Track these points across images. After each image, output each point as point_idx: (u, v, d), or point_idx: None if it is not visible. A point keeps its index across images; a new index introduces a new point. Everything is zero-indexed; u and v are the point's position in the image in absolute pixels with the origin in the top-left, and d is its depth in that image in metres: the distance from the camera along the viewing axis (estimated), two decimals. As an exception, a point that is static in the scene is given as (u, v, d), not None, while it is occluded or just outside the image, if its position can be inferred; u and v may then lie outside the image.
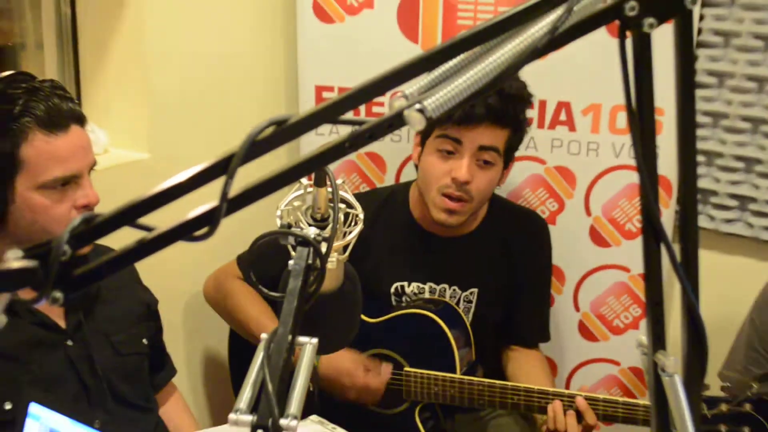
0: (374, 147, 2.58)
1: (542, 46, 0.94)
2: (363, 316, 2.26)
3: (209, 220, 0.93)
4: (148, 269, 2.10)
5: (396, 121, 0.93)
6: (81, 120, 1.84)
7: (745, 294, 2.26)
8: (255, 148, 0.93)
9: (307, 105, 2.71)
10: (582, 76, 2.49)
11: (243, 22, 2.65)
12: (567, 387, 2.80)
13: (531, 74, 2.01)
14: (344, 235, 1.43)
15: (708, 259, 2.48)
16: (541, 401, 2.13)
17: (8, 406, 1.74)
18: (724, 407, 1.96)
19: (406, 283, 2.36)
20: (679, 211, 1.08)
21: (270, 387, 1.13)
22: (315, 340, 1.27)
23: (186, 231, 0.94)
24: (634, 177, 2.51)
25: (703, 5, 2.48)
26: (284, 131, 0.94)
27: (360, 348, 2.30)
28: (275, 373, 1.16)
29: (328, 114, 0.96)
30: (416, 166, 2.30)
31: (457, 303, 2.38)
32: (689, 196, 1.07)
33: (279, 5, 2.74)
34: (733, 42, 2.48)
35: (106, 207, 1.83)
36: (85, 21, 2.43)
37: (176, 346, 2.52)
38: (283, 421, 1.12)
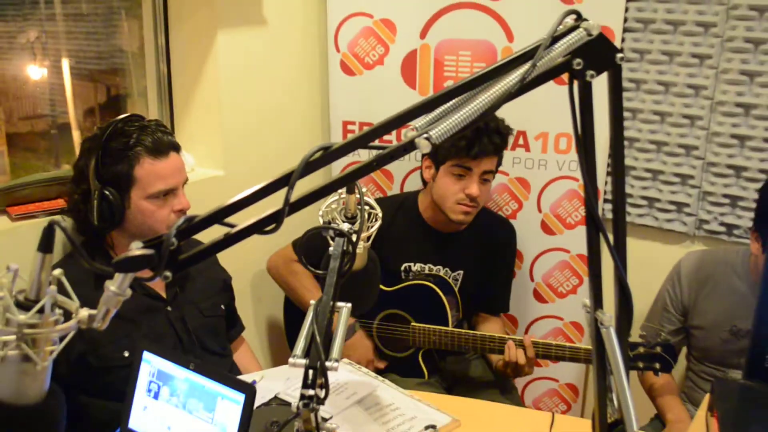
0: (389, 166, 2.58)
1: (515, 91, 0.94)
2: (381, 286, 2.27)
3: (276, 219, 0.93)
4: (224, 254, 2.10)
5: (409, 146, 0.94)
6: (177, 148, 1.84)
7: (653, 268, 2.26)
8: (308, 166, 0.93)
9: (337, 134, 2.71)
10: (534, 112, 2.49)
11: (290, 75, 2.65)
12: (526, 337, 2.81)
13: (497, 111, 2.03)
14: (368, 228, 1.44)
15: (631, 245, 2.50)
16: (502, 345, 2.16)
17: (126, 354, 1.75)
18: (641, 349, 1.96)
19: (412, 264, 2.36)
20: (612, 208, 1.08)
21: (318, 339, 1.14)
22: (349, 305, 1.28)
23: (259, 227, 0.94)
24: (572, 184, 2.55)
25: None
26: (329, 154, 0.94)
27: (379, 308, 2.32)
28: (321, 328, 1.16)
29: (360, 142, 0.96)
30: (424, 182, 2.35)
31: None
32: (619, 197, 1.07)
33: (316, 63, 2.73)
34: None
35: (194, 210, 1.85)
36: (177, 76, 2.43)
37: (245, 310, 2.51)
38: (328, 363, 1.13)
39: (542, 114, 2.50)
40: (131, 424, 1.51)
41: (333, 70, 2.66)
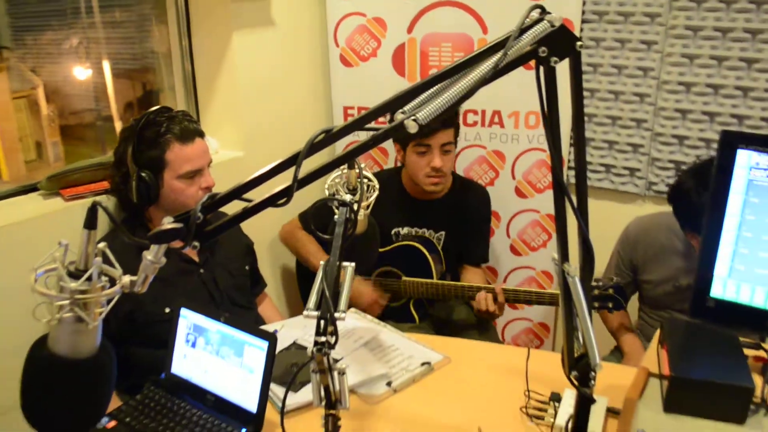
0: (384, 143, 2.55)
1: (489, 76, 0.92)
2: (376, 247, 2.28)
3: (286, 194, 0.92)
4: (247, 223, 2.09)
5: (400, 127, 0.92)
6: (202, 134, 1.82)
7: (611, 224, 2.24)
8: (312, 147, 0.92)
9: (338, 118, 2.69)
10: (507, 93, 2.47)
11: (297, 68, 2.61)
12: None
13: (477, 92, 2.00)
14: (367, 198, 1.42)
15: (591, 205, 2.50)
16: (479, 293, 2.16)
17: (167, 310, 1.74)
18: (596, 291, 1.95)
19: (401, 228, 2.35)
20: (575, 175, 1.06)
21: (327, 293, 1.12)
22: (353, 264, 1.27)
23: (272, 201, 0.93)
24: (541, 155, 2.53)
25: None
26: (330, 136, 0.93)
27: (375, 266, 2.32)
28: (330, 285, 1.15)
29: (357, 124, 0.94)
30: (401, 162, 2.32)
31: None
32: (581, 165, 1.06)
33: (319, 57, 2.69)
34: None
35: (218, 186, 1.83)
36: (200, 72, 2.40)
37: (266, 270, 2.51)
38: (336, 314, 1.12)
39: (514, 95, 2.47)
40: (173, 369, 1.52)
41: (333, 62, 2.63)
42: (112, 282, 0.89)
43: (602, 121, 2.51)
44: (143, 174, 1.72)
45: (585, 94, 2.50)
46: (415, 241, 2.29)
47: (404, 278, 2.26)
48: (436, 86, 0.95)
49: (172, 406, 1.45)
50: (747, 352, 1.20)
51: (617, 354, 2.23)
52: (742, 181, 1.16)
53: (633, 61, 2.39)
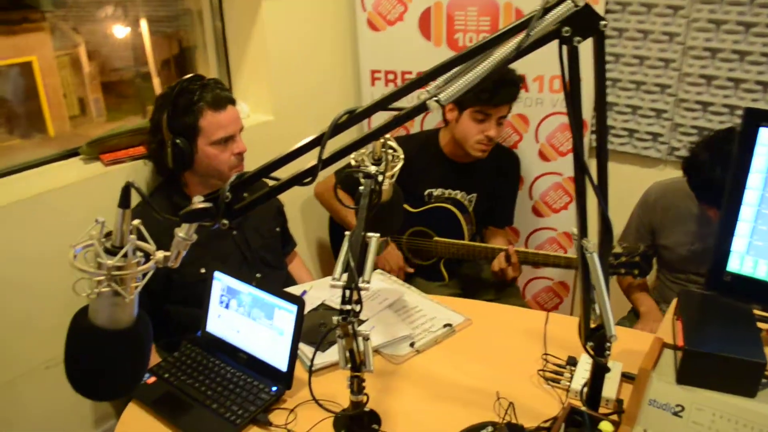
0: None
1: (512, 57, 0.89)
2: (408, 207, 2.27)
3: (312, 173, 0.91)
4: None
5: (422, 107, 0.90)
6: (233, 102, 1.81)
7: (633, 187, 2.20)
8: (336, 128, 0.91)
9: (365, 81, 2.64)
10: (532, 57, 2.38)
11: (325, 32, 2.57)
12: (526, 246, 2.78)
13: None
14: (392, 168, 1.41)
15: (614, 169, 2.46)
16: (520, 256, 2.15)
17: (203, 271, 1.77)
18: (623, 258, 1.93)
19: (434, 189, 2.32)
20: (596, 139, 1.04)
21: (352, 263, 1.13)
22: (378, 234, 1.26)
23: (298, 180, 0.92)
24: (564, 119, 2.46)
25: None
26: (353, 117, 0.91)
27: (407, 226, 2.32)
28: (355, 255, 1.15)
29: (380, 105, 0.92)
30: (446, 121, 2.27)
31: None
32: (602, 130, 1.03)
33: (346, 21, 2.64)
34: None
35: (250, 151, 1.83)
36: (230, 33, 2.38)
37: (297, 229, 2.53)
38: (361, 284, 1.13)
39: (539, 59, 2.34)
40: (208, 329, 1.55)
41: (360, 26, 2.57)
42: (147, 257, 0.90)
43: (626, 86, 2.43)
44: (178, 141, 1.73)
45: (609, 58, 2.42)
46: (447, 203, 2.29)
47: (435, 238, 2.26)
48: (459, 67, 0.93)
49: (207, 363, 1.48)
50: (761, 326, 1.17)
51: (632, 315, 2.21)
52: (764, 158, 1.12)
53: (659, 26, 2.29)
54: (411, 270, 2.35)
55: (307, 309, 1.68)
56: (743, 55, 2.19)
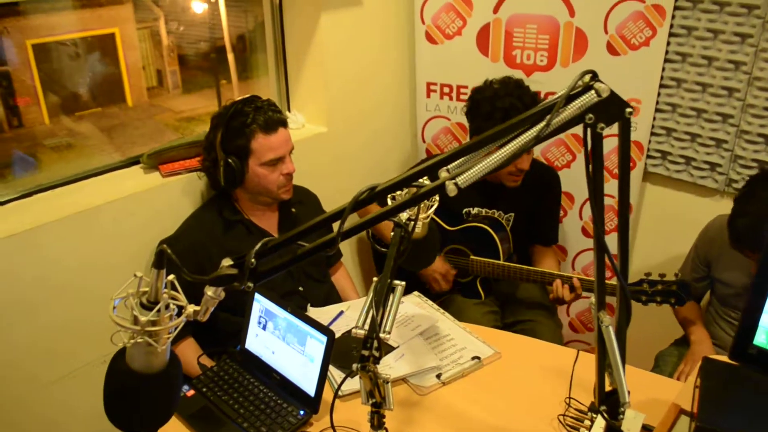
0: (463, 119, 2.50)
1: (530, 146, 0.92)
2: (446, 226, 2.30)
3: (332, 244, 0.97)
4: (325, 198, 2.17)
5: (440, 188, 0.93)
6: (285, 124, 1.88)
7: (687, 216, 2.16)
8: (356, 204, 0.95)
9: (421, 93, 2.67)
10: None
11: (383, 45, 2.60)
12: (573, 266, 2.76)
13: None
14: (427, 210, 1.44)
15: (668, 196, 2.34)
16: (547, 278, 2.15)
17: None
18: (659, 287, 1.91)
19: (472, 208, 2.35)
20: (618, 216, 1.05)
21: (375, 314, 1.17)
22: (404, 283, 1.30)
23: (320, 249, 0.98)
24: (616, 142, 2.41)
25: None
26: (374, 195, 0.95)
27: (445, 243, 2.34)
28: (379, 305, 1.20)
29: (404, 182, 0.96)
30: None
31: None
32: (623, 211, 1.04)
33: (405, 34, 2.66)
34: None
35: (303, 162, 1.89)
36: (289, 45, 2.44)
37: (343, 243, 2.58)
38: (382, 335, 1.18)
39: None
40: (247, 345, 1.64)
41: (419, 39, 2.60)
42: (179, 310, 0.97)
43: (686, 112, 2.36)
44: (230, 160, 1.81)
45: (671, 83, 2.35)
46: (483, 222, 2.30)
47: (472, 257, 2.29)
48: (482, 150, 0.96)
49: (242, 381, 1.57)
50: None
51: (683, 344, 2.19)
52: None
53: (725, 54, 2.22)
54: (451, 279, 2.38)
55: (342, 331, 1.75)
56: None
